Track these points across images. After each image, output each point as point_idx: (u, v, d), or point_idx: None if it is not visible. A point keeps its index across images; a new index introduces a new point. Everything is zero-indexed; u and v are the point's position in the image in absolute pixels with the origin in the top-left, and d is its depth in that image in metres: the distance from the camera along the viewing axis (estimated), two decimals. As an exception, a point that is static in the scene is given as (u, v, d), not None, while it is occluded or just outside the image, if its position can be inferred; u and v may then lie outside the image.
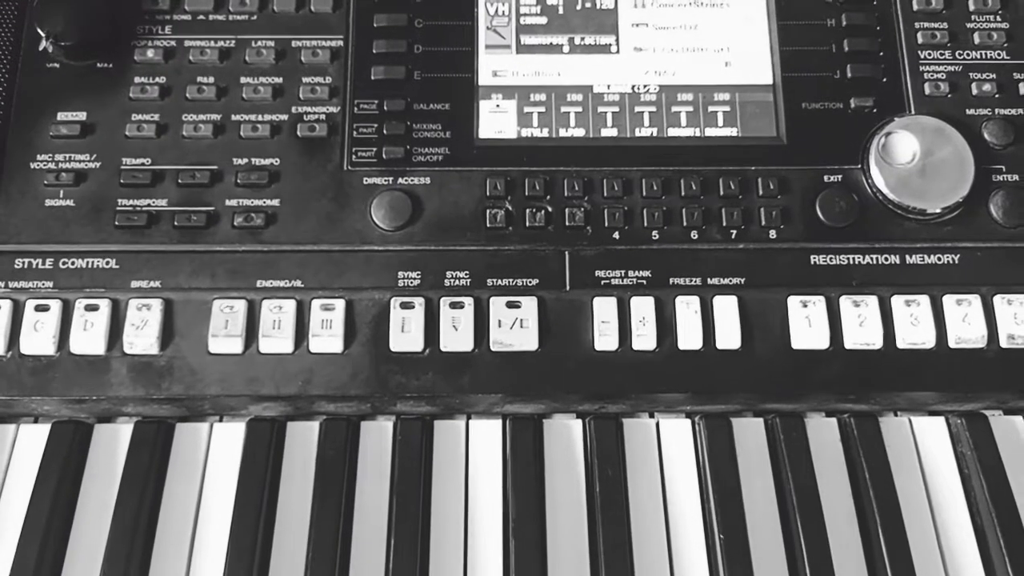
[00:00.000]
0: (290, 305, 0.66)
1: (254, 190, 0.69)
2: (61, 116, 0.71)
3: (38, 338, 0.65)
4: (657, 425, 0.67)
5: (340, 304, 0.67)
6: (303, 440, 0.66)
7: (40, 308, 0.66)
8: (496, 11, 0.76)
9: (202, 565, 0.62)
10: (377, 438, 0.66)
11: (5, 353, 0.65)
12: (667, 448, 0.66)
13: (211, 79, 0.72)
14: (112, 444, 0.66)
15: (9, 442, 0.66)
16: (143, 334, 0.65)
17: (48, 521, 0.62)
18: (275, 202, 0.69)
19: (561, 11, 0.76)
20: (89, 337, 0.65)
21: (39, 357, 0.65)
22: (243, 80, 0.72)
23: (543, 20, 0.76)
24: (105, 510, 0.63)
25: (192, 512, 0.63)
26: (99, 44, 0.73)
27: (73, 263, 0.68)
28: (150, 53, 0.73)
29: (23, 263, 0.67)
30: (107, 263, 0.68)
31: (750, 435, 0.66)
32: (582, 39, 0.75)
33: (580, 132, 0.72)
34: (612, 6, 0.75)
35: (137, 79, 0.72)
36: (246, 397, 0.65)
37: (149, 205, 0.69)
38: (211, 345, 0.65)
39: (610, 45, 0.75)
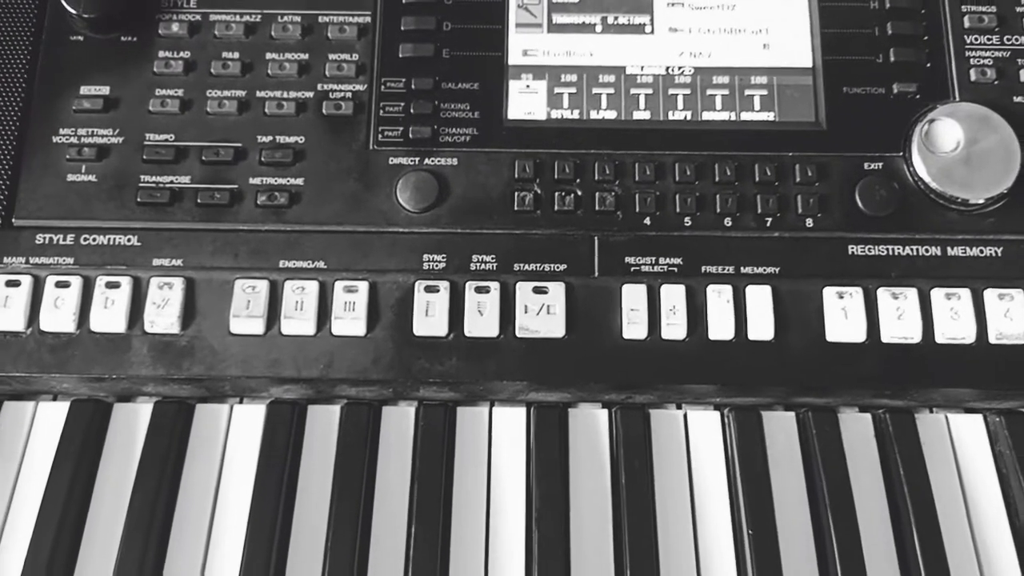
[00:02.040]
0: (313, 287, 0.65)
1: (278, 168, 0.68)
2: (84, 90, 0.70)
3: (58, 315, 0.64)
4: (685, 417, 0.65)
5: (363, 286, 0.65)
6: (324, 424, 0.65)
7: (61, 284, 0.65)
8: (527, -11, 0.74)
9: (221, 547, 0.61)
10: (399, 423, 0.65)
11: (25, 329, 0.65)
12: (695, 440, 0.65)
13: (236, 54, 0.71)
14: (131, 424, 0.66)
15: (28, 420, 0.65)
16: (164, 313, 0.64)
17: (66, 501, 0.62)
18: (299, 181, 0.68)
19: (594, -11, 0.74)
20: (110, 315, 0.65)
21: (59, 334, 0.65)
22: (268, 56, 0.71)
23: (575, -1, 0.74)
24: (123, 490, 0.63)
25: (211, 494, 0.63)
26: (123, 17, 0.71)
27: (95, 239, 0.67)
28: (175, 27, 0.72)
29: (44, 239, 0.67)
30: (129, 240, 0.67)
31: (780, 429, 0.65)
32: (615, 19, 0.73)
33: (612, 114, 0.70)
34: (647, -15, 0.73)
35: (161, 53, 0.71)
36: (267, 379, 0.64)
37: (172, 182, 0.68)
38: (232, 325, 0.64)
39: (644, 25, 0.73)
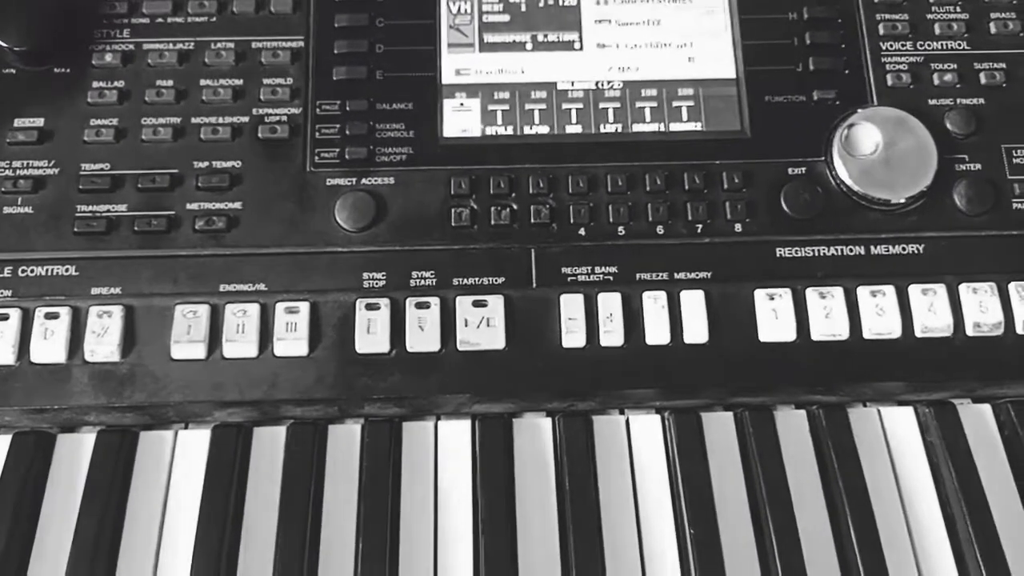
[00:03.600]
0: (254, 309, 0.66)
1: (215, 193, 0.68)
2: (18, 123, 0.70)
3: (-3, 347, 0.64)
4: (627, 421, 0.67)
5: (305, 307, 0.66)
6: (270, 445, 0.65)
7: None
8: (458, 9, 0.75)
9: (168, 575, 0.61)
10: (345, 441, 0.66)
11: (-37, 364, 0.64)
12: (637, 444, 0.66)
13: (170, 82, 0.71)
14: (75, 454, 0.65)
15: (-31, 454, 0.65)
16: (104, 341, 0.64)
17: (10, 534, 0.61)
18: (237, 205, 0.68)
19: (524, 8, 0.75)
20: (49, 345, 0.64)
21: (-2, 367, 0.64)
22: (203, 82, 0.72)
23: (506, 18, 0.75)
24: (68, 522, 0.62)
25: (157, 522, 0.62)
26: (56, 49, 0.72)
27: (32, 271, 0.67)
28: (108, 57, 0.72)
29: (-19, 272, 0.66)
30: (67, 270, 0.67)
31: (719, 429, 0.66)
32: (545, 36, 0.75)
33: (545, 129, 0.72)
34: (575, 3, 0.75)
35: (95, 84, 0.71)
36: (210, 403, 0.64)
37: (109, 211, 0.68)
38: (173, 351, 0.64)
39: (573, 42, 0.74)
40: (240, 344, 0.64)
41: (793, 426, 0.66)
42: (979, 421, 0.67)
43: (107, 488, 0.63)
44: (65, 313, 0.65)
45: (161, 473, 0.64)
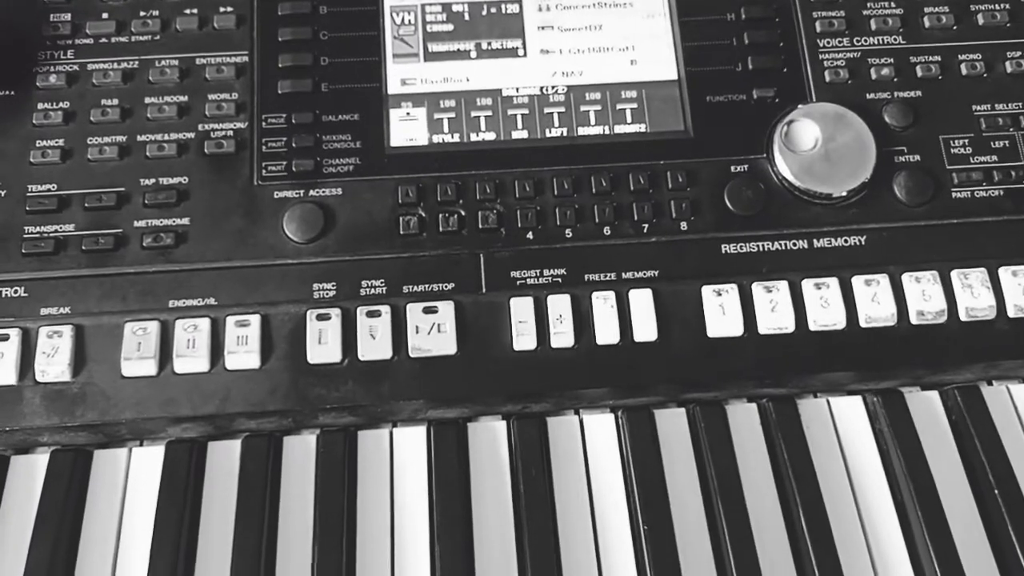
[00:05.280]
0: (204, 323, 0.66)
1: (163, 210, 0.69)
2: (-37, 146, 0.70)
3: (-54, 372, 0.64)
4: (581, 421, 0.67)
5: (256, 320, 0.66)
6: (225, 459, 0.65)
7: (-52, 342, 0.65)
8: (402, 20, 0.76)
9: (125, 593, 0.61)
10: (301, 453, 0.66)
11: (-87, 389, 0.64)
12: (591, 443, 0.66)
13: (115, 101, 0.72)
14: (30, 475, 0.65)
15: (-80, 479, 0.64)
16: (55, 361, 0.64)
17: (-38, 558, 0.61)
18: (185, 221, 0.68)
19: (467, 17, 0.76)
20: (0, 368, 0.64)
21: (-51, 391, 0.64)
22: (148, 100, 0.72)
23: (449, 27, 0.76)
24: (23, 544, 0.62)
25: (112, 541, 0.62)
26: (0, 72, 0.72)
27: (-20, 294, 0.66)
28: (53, 79, 0.72)
29: (-73, 296, 0.66)
30: (15, 292, 0.67)
31: (672, 425, 0.67)
32: (489, 44, 0.75)
33: (491, 136, 0.72)
34: (517, 11, 0.76)
35: (40, 105, 0.71)
36: (163, 419, 0.64)
37: (57, 231, 0.68)
38: (124, 368, 0.64)
39: (517, 48, 0.75)
40: (191, 359, 0.64)
41: (744, 419, 0.67)
42: (927, 408, 0.68)
43: (61, 508, 0.62)
44: (15, 335, 0.65)
45: (116, 491, 0.64)
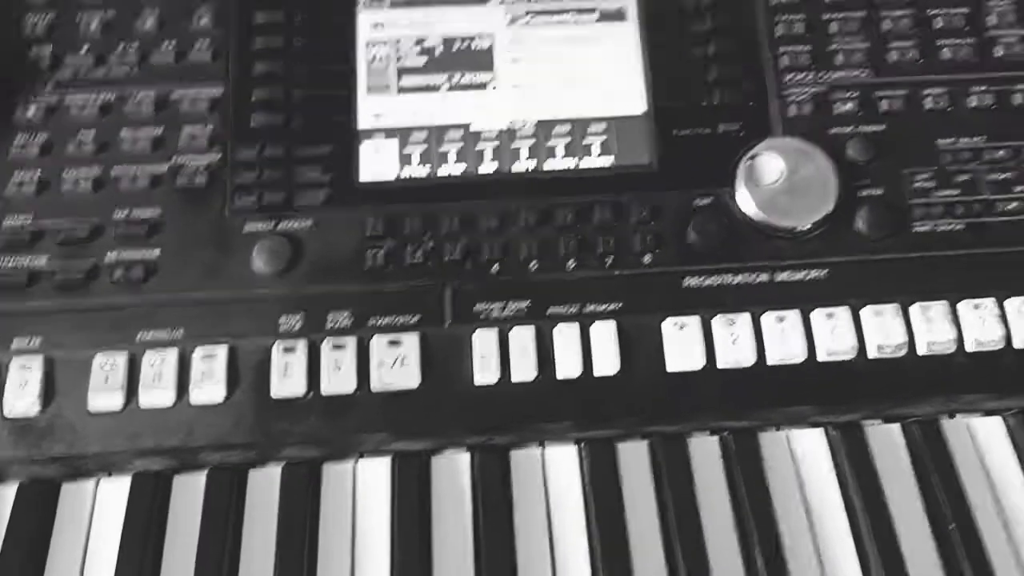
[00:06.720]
0: (171, 356, 0.66)
1: (134, 242, 0.70)
2: (-60, 179, 0.71)
3: (-84, 405, 0.65)
4: (544, 454, 0.68)
5: (222, 352, 0.67)
6: (190, 492, 0.66)
7: (-81, 374, 0.66)
8: (375, 55, 0.77)
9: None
10: (265, 486, 0.66)
11: None
12: (553, 476, 0.67)
13: (92, 132, 0.73)
14: (-1, 508, 0.66)
15: None
16: (24, 394, 0.65)
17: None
18: (155, 252, 0.69)
19: (439, 52, 0.77)
20: (-29, 399, 0.65)
21: (-82, 424, 0.65)
22: (123, 133, 0.73)
23: (422, 61, 0.77)
24: (-8, 575, 0.63)
25: (77, 573, 0.63)
26: (-24, 105, 0.73)
27: (-48, 327, 0.67)
28: (31, 110, 0.73)
29: (-101, 329, 0.67)
30: (-13, 324, 0.68)
31: (634, 458, 0.67)
32: (460, 77, 0.76)
33: (460, 169, 0.73)
34: (487, 46, 0.77)
35: (18, 138, 0.73)
36: (129, 452, 0.65)
37: (29, 263, 0.69)
38: (91, 401, 0.65)
39: (487, 83, 0.76)
40: (157, 392, 0.65)
41: (706, 452, 0.67)
42: (888, 441, 0.68)
43: (27, 541, 0.63)
44: (-14, 367, 0.66)
45: (82, 524, 0.65)
